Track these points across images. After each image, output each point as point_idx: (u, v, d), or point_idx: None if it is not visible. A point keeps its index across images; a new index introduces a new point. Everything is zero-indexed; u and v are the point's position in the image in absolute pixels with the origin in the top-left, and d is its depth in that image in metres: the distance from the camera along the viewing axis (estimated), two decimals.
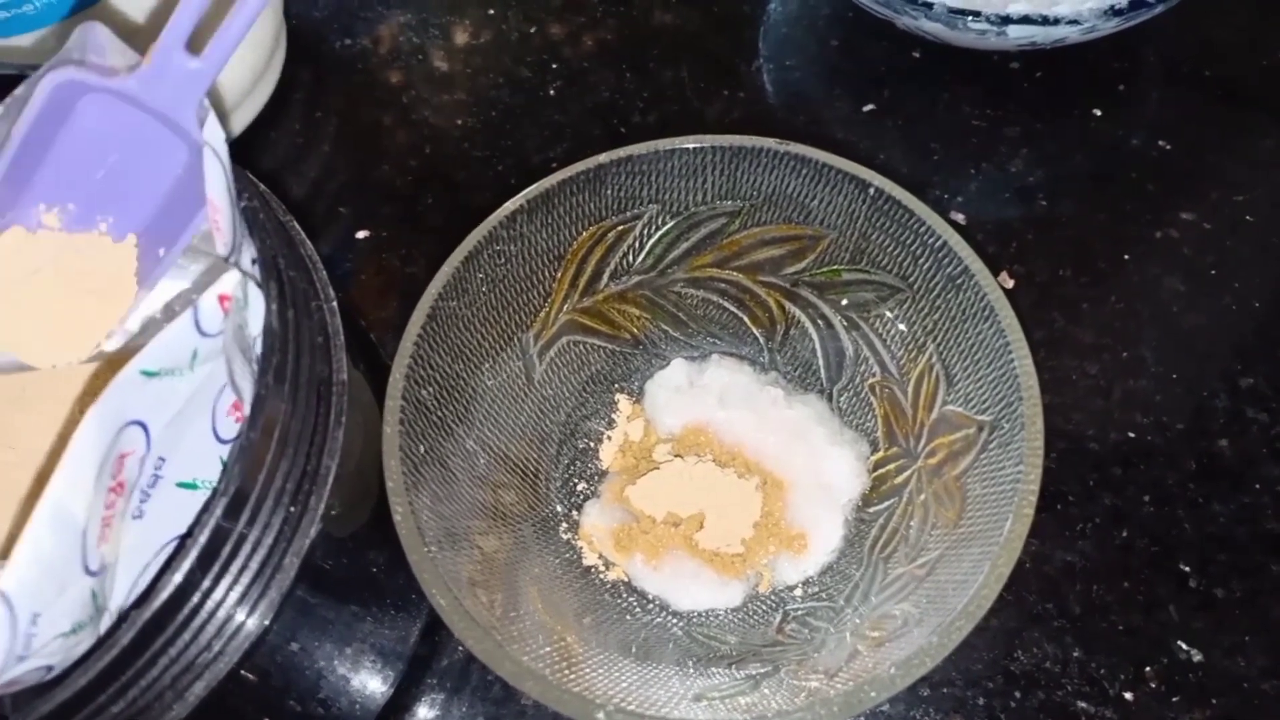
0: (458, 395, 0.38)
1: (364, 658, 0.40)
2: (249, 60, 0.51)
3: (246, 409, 0.27)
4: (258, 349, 0.29)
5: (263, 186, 0.34)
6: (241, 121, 0.53)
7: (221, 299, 0.27)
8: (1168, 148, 0.51)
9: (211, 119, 0.29)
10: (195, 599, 0.26)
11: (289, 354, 0.29)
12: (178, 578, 0.26)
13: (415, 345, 0.35)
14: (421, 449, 0.35)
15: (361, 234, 0.51)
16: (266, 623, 0.29)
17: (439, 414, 0.36)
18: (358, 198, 0.53)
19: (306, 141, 0.55)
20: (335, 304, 0.33)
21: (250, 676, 0.36)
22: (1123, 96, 0.53)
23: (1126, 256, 0.48)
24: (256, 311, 0.29)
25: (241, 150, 0.52)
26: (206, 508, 0.26)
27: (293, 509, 0.29)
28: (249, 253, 0.30)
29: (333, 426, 0.30)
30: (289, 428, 0.29)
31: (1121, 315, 0.46)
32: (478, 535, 0.36)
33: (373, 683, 0.40)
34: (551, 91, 0.56)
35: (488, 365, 0.39)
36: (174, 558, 0.26)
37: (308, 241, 0.34)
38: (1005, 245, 0.48)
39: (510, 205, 0.38)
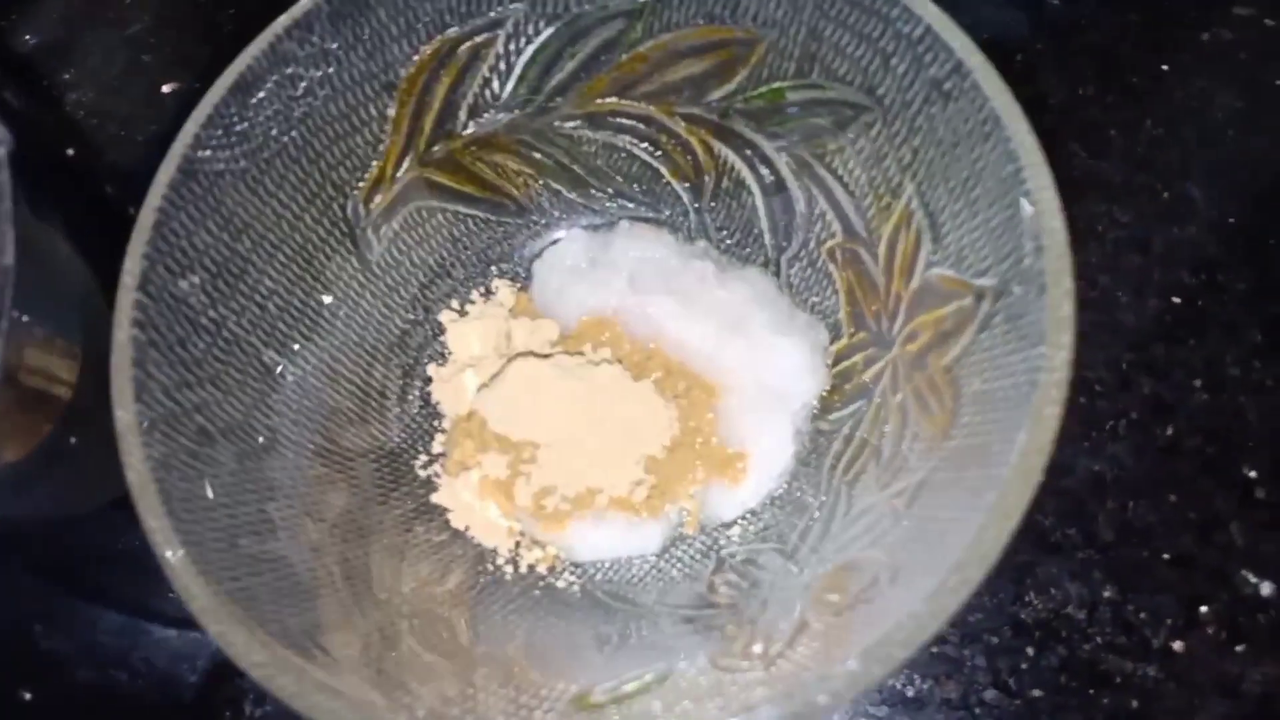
0: (245, 288, 0.27)
1: (167, 640, 0.30)
2: None
3: None
4: None
5: None
6: None
7: None
8: None
9: None
10: None
11: None
12: None
13: (160, 214, 0.25)
14: (180, 365, 0.24)
15: (168, 87, 0.40)
16: None
17: (211, 315, 0.26)
18: (165, 42, 0.41)
19: None
20: (4, 150, 0.21)
21: (25, 695, 0.27)
22: None
23: (1165, 67, 0.38)
24: None
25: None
26: None
27: None
28: None
29: None
30: None
31: (1162, 144, 0.37)
32: (284, 488, 0.26)
33: (181, 669, 0.30)
34: None
35: (293, 244, 0.28)
36: None
37: None
38: (1008, 60, 0.37)
39: (300, 7, 0.27)
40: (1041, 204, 0.23)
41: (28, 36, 0.43)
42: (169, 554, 0.22)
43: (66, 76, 0.41)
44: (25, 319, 0.21)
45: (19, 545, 0.26)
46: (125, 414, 0.23)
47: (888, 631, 0.20)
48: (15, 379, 0.21)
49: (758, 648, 0.24)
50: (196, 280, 0.26)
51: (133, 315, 0.24)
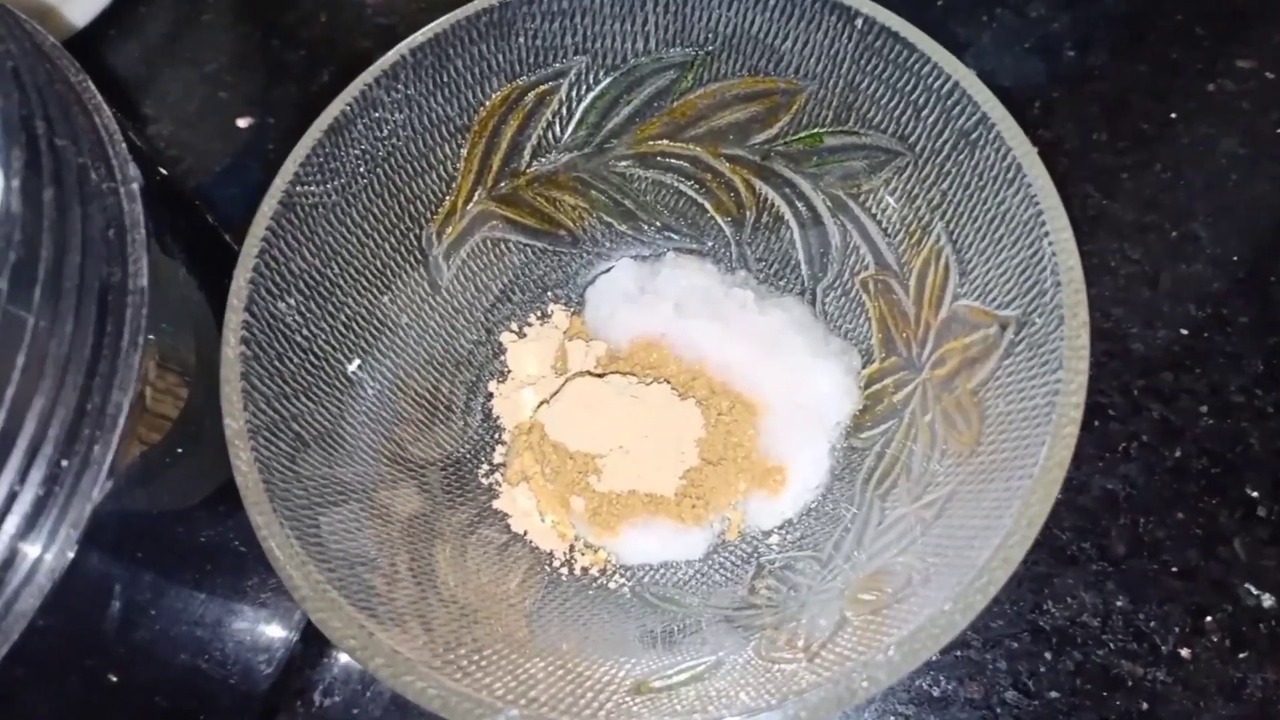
0: (332, 309, 0.29)
1: (246, 633, 0.33)
2: None
3: None
4: None
5: (35, 28, 0.26)
6: None
7: None
8: None
9: None
10: None
11: (45, 249, 0.21)
12: None
13: (264, 243, 0.27)
14: (278, 378, 0.27)
15: (244, 122, 0.42)
16: (38, 621, 0.21)
17: (306, 333, 0.28)
18: (240, 80, 0.44)
19: (180, 18, 0.46)
20: (136, 186, 0.24)
21: (111, 678, 0.29)
22: None
23: (1173, 115, 0.40)
24: None
25: (104, 30, 0.44)
26: None
27: (64, 462, 0.21)
28: None
29: (126, 349, 0.22)
30: (45, 350, 0.20)
31: (1169, 186, 0.39)
32: (364, 490, 0.29)
33: (258, 661, 0.33)
34: None
35: (374, 270, 0.31)
36: None
37: (105, 107, 0.26)
38: (1027, 107, 0.40)
39: (389, 58, 0.29)
40: (1059, 244, 0.25)
41: (110, 73, 0.46)
42: (275, 547, 0.24)
43: (146, 111, 0.44)
44: (152, 338, 0.24)
45: (133, 539, 0.28)
46: (235, 422, 0.25)
47: (921, 626, 0.23)
48: (142, 393, 0.24)
49: (801, 642, 0.26)
50: (293, 302, 0.28)
51: (240, 333, 0.26)
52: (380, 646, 0.23)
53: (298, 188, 0.28)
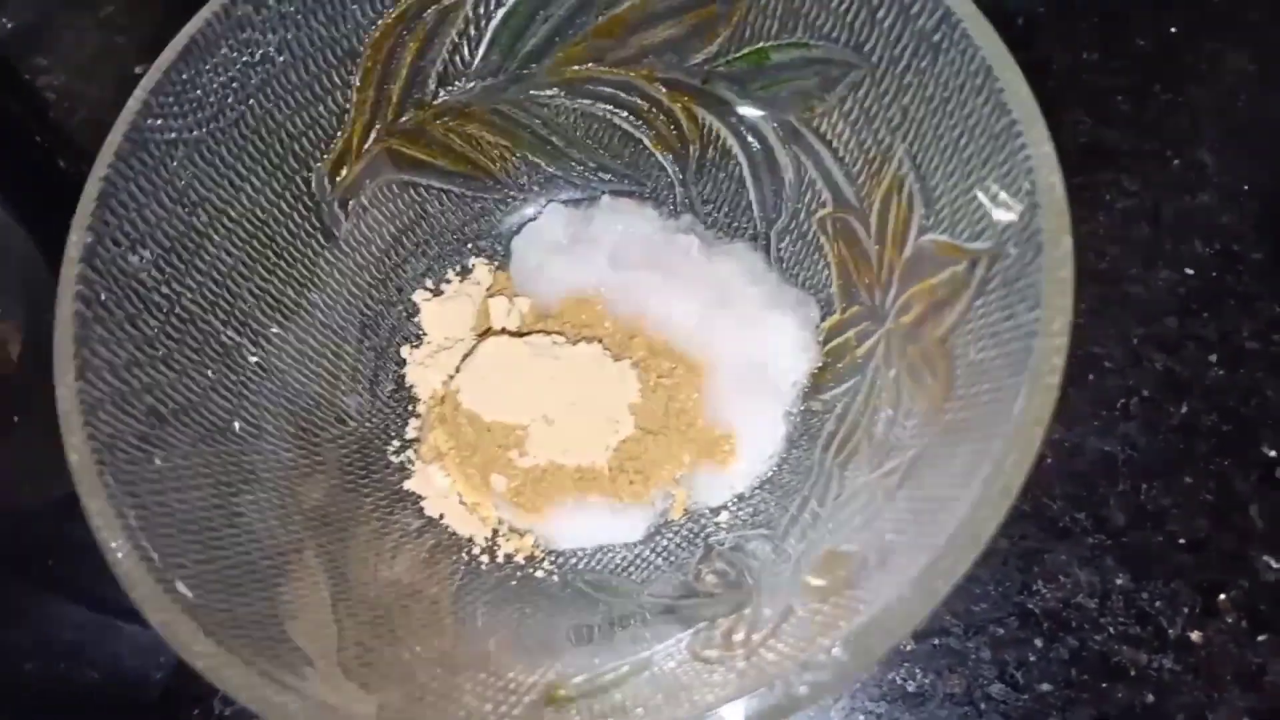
0: (201, 264, 0.26)
1: (133, 636, 0.29)
2: None
3: None
4: None
5: None
6: None
7: None
8: None
9: None
10: None
11: None
12: None
13: (107, 184, 0.23)
14: (130, 344, 0.23)
15: (141, 69, 0.38)
16: None
17: (166, 291, 0.25)
18: (137, 24, 0.40)
19: None
20: None
21: None
22: None
23: (1174, 29, 0.37)
24: None
25: None
26: None
27: None
28: None
29: None
30: None
31: (1170, 109, 0.35)
32: (245, 474, 0.25)
33: (147, 666, 0.29)
34: None
35: (253, 219, 0.27)
36: None
37: None
38: (1008, 24, 0.35)
39: None
40: (1036, 158, 0.21)
41: (3, 19, 0.42)
42: (109, 538, 0.21)
43: (42, 61, 0.40)
44: None
45: None
46: (67, 391, 0.22)
47: (874, 617, 0.19)
48: None
49: (739, 636, 0.22)
50: (148, 255, 0.24)
51: (76, 289, 0.22)
52: (234, 657, 0.20)
53: (148, 120, 0.24)
